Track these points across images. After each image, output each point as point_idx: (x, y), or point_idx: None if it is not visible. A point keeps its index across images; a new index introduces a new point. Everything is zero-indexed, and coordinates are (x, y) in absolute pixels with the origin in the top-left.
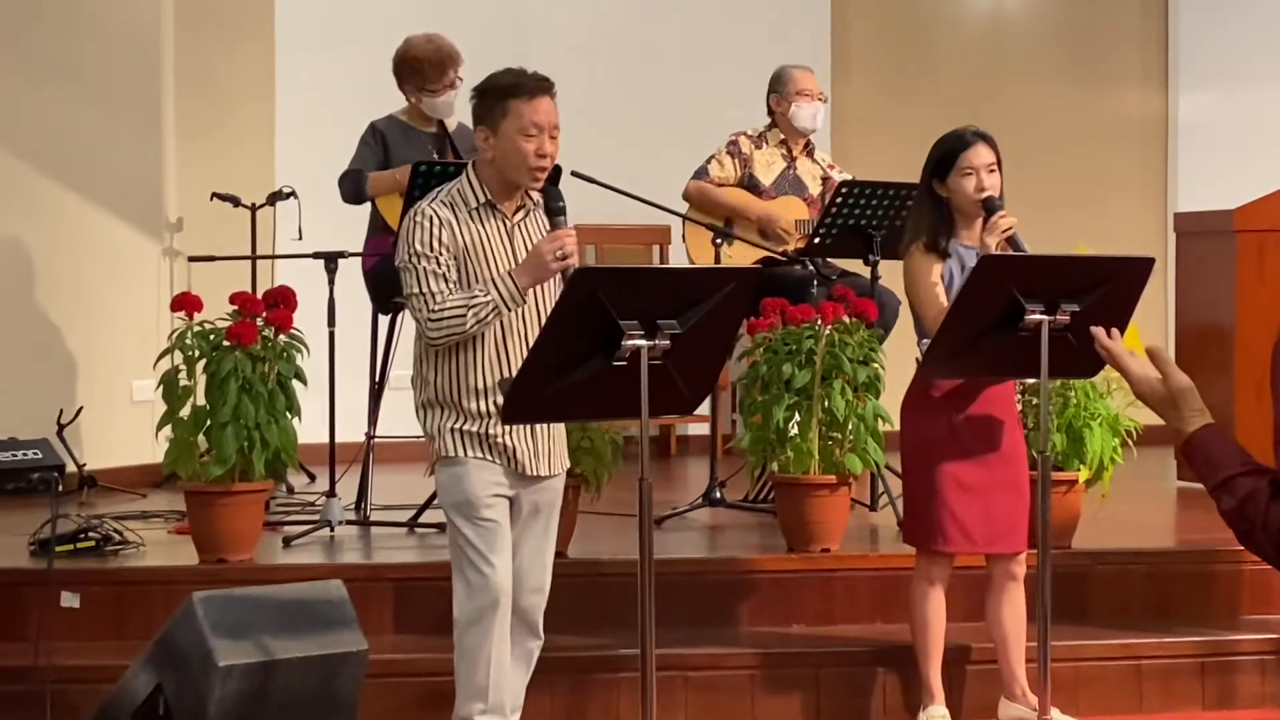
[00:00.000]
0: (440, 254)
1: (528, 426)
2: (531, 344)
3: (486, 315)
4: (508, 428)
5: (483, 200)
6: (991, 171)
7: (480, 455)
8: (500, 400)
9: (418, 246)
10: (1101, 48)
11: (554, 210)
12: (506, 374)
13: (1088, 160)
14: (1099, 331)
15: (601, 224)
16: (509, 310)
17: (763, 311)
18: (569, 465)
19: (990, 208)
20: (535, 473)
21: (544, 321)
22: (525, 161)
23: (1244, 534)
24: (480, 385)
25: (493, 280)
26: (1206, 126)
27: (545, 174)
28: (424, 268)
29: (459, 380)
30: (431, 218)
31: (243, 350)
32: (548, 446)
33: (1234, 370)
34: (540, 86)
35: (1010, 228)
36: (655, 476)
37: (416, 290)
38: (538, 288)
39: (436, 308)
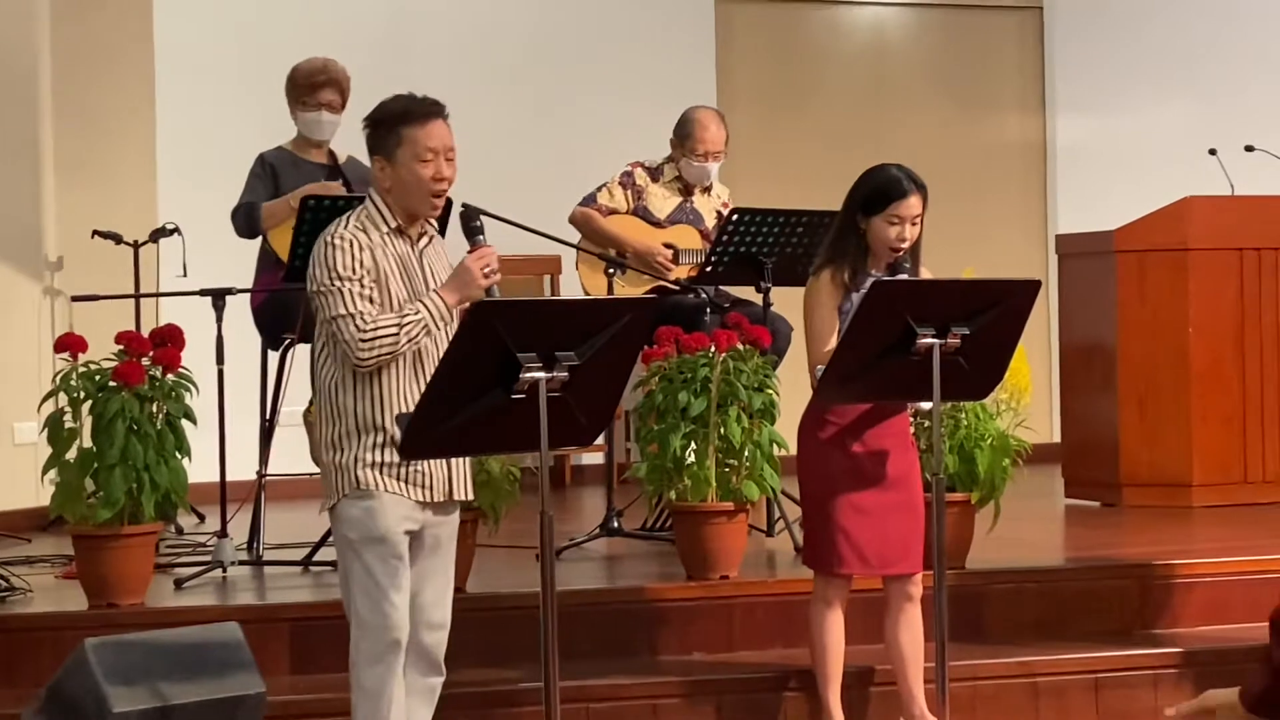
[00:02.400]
0: (363, 276)
1: None
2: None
3: (417, 334)
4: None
5: (394, 225)
6: (915, 224)
7: (395, 490)
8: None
9: (340, 269)
10: (980, 74)
11: (474, 230)
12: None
13: (969, 185)
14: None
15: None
16: (438, 329)
17: (657, 340)
18: (472, 493)
19: (894, 269)
20: (449, 497)
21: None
22: (423, 187)
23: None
24: (404, 409)
25: (411, 300)
26: (1084, 149)
27: (444, 199)
28: (350, 289)
29: (383, 405)
30: (352, 241)
31: (129, 390)
32: (460, 470)
33: (1117, 387)
34: (432, 110)
35: None
36: (552, 508)
37: (343, 311)
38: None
39: (368, 327)
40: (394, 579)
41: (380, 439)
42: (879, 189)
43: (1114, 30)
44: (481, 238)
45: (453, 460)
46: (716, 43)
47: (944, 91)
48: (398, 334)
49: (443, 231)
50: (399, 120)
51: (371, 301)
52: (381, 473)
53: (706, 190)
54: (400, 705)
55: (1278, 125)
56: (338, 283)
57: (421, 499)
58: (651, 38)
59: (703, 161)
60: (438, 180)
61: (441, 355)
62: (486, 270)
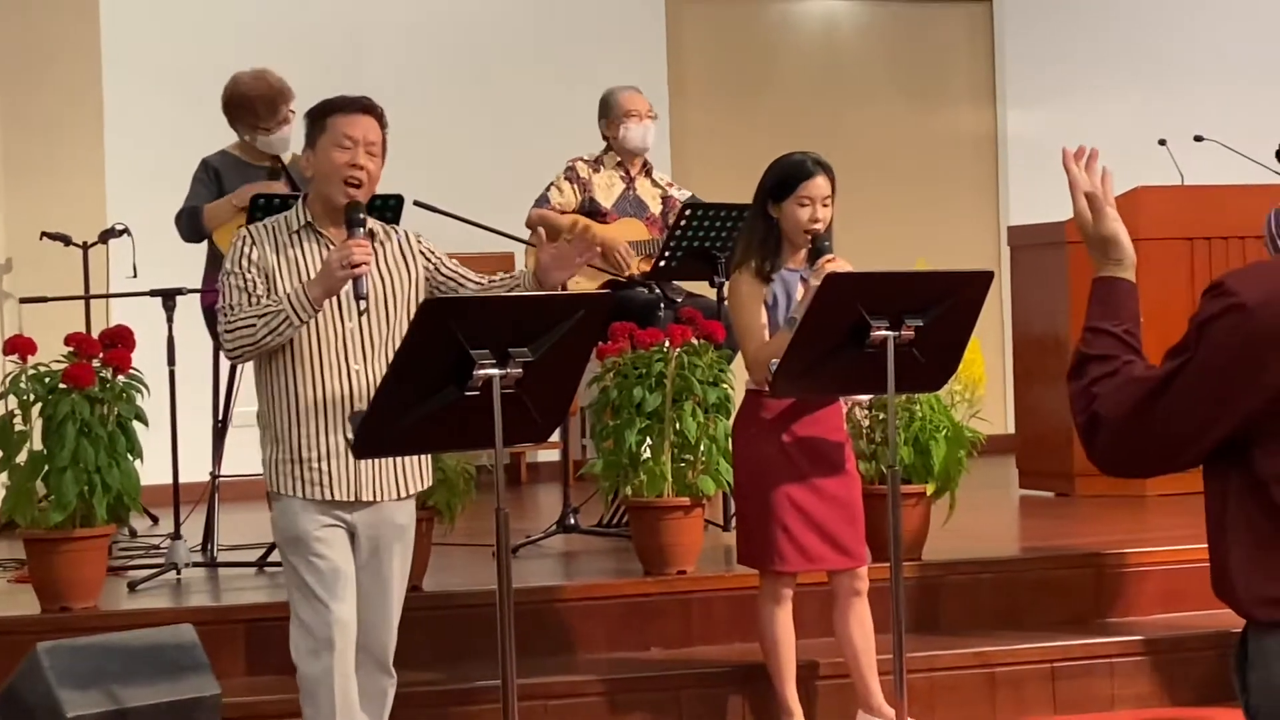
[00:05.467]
0: (248, 270)
1: (343, 449)
2: (349, 365)
3: (278, 325)
4: (323, 452)
5: (303, 223)
6: (826, 205)
7: (301, 492)
8: (319, 426)
9: (228, 264)
10: (931, 66)
11: (350, 222)
12: (324, 396)
13: (922, 176)
14: (1068, 155)
15: (446, 253)
16: (301, 321)
17: (611, 336)
18: (413, 491)
19: (818, 249)
20: (356, 497)
21: (362, 343)
22: (337, 173)
23: (1073, 378)
24: (296, 409)
25: (288, 293)
26: (1035, 141)
27: (359, 187)
28: (231, 284)
29: (278, 405)
30: (245, 237)
31: (80, 392)
32: (375, 470)
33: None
34: (361, 105)
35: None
36: (508, 505)
37: (220, 304)
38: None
39: (230, 319)
40: (319, 577)
41: (280, 439)
42: (785, 174)
43: (1063, 23)
44: (359, 231)
45: (367, 461)
46: (667, 36)
47: (895, 84)
48: (255, 325)
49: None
50: (327, 111)
51: (249, 296)
52: (284, 473)
53: (648, 174)
54: (348, 701)
55: (1226, 116)
56: (224, 278)
57: (321, 498)
58: (603, 32)
59: (639, 122)
60: (353, 167)
61: (355, 352)
62: (345, 262)
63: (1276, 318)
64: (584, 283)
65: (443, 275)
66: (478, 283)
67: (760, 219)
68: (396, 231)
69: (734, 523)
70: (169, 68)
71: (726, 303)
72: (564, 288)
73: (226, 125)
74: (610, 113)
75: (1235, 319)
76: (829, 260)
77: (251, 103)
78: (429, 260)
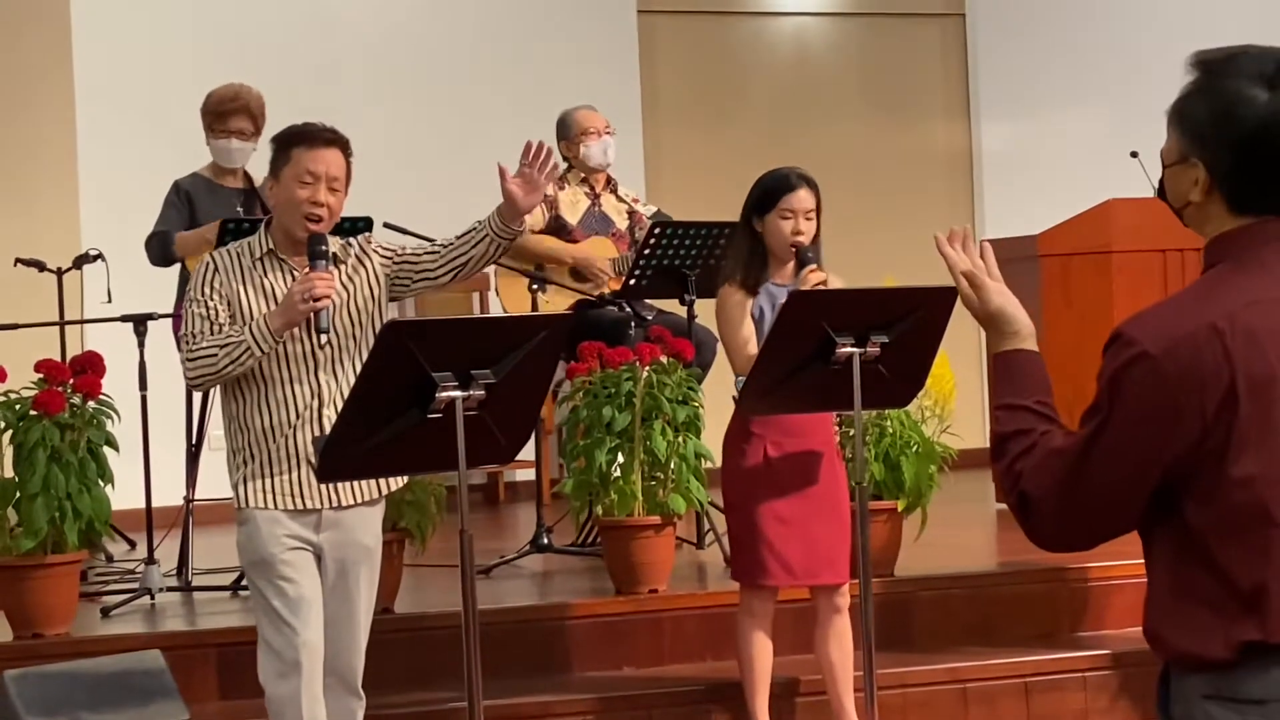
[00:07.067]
0: (210, 298)
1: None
2: (313, 384)
3: (239, 355)
4: (294, 463)
5: (265, 250)
6: (809, 218)
7: (273, 504)
8: (289, 440)
9: (191, 291)
10: (904, 81)
11: (313, 254)
12: (293, 410)
13: (896, 191)
14: (941, 240)
15: None
16: (262, 352)
17: (581, 355)
18: (385, 491)
19: (802, 260)
20: (330, 503)
21: (330, 359)
22: (297, 209)
23: (996, 460)
24: (265, 424)
25: (249, 324)
26: (1009, 155)
27: (319, 223)
28: (193, 311)
29: (248, 422)
30: (208, 263)
31: (50, 419)
32: None
33: None
34: (326, 138)
35: (820, 284)
36: (484, 524)
37: (182, 331)
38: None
39: (192, 348)
40: (286, 601)
41: (251, 457)
42: (768, 188)
43: (1036, 36)
44: (321, 263)
45: None
46: (639, 55)
47: (869, 100)
48: (217, 355)
49: None
50: (291, 141)
51: (211, 323)
52: (255, 488)
53: (613, 190)
54: None
55: None
56: (187, 304)
57: (290, 507)
58: (574, 51)
59: (597, 139)
60: (313, 204)
61: (324, 370)
62: (306, 295)
63: (1183, 362)
64: (555, 302)
65: (397, 263)
66: (433, 251)
67: (746, 234)
68: (353, 243)
69: (708, 539)
70: (142, 92)
71: (699, 319)
72: (535, 309)
73: (199, 150)
74: (568, 133)
75: (1143, 369)
76: (811, 271)
77: (207, 104)
78: (383, 256)
